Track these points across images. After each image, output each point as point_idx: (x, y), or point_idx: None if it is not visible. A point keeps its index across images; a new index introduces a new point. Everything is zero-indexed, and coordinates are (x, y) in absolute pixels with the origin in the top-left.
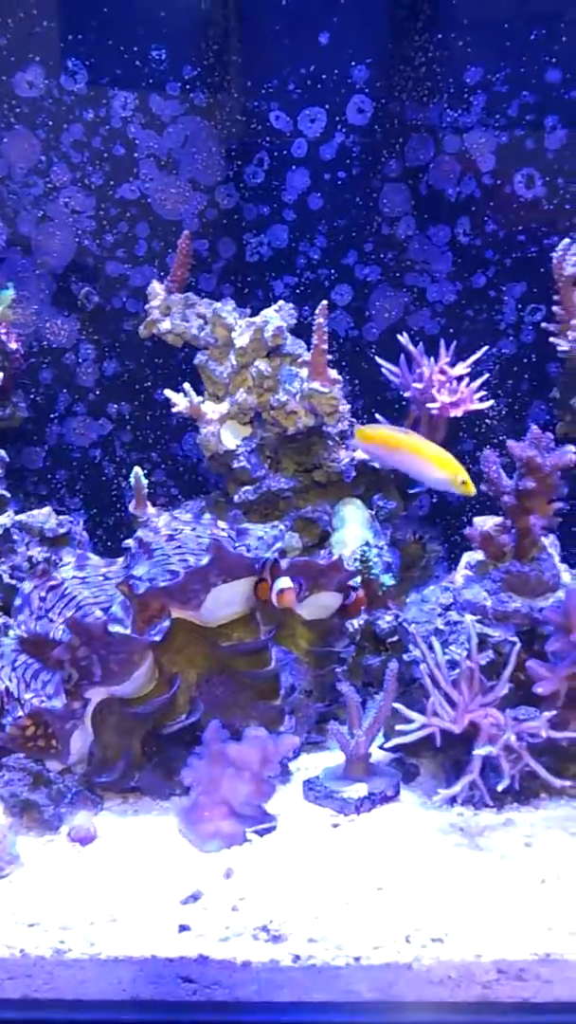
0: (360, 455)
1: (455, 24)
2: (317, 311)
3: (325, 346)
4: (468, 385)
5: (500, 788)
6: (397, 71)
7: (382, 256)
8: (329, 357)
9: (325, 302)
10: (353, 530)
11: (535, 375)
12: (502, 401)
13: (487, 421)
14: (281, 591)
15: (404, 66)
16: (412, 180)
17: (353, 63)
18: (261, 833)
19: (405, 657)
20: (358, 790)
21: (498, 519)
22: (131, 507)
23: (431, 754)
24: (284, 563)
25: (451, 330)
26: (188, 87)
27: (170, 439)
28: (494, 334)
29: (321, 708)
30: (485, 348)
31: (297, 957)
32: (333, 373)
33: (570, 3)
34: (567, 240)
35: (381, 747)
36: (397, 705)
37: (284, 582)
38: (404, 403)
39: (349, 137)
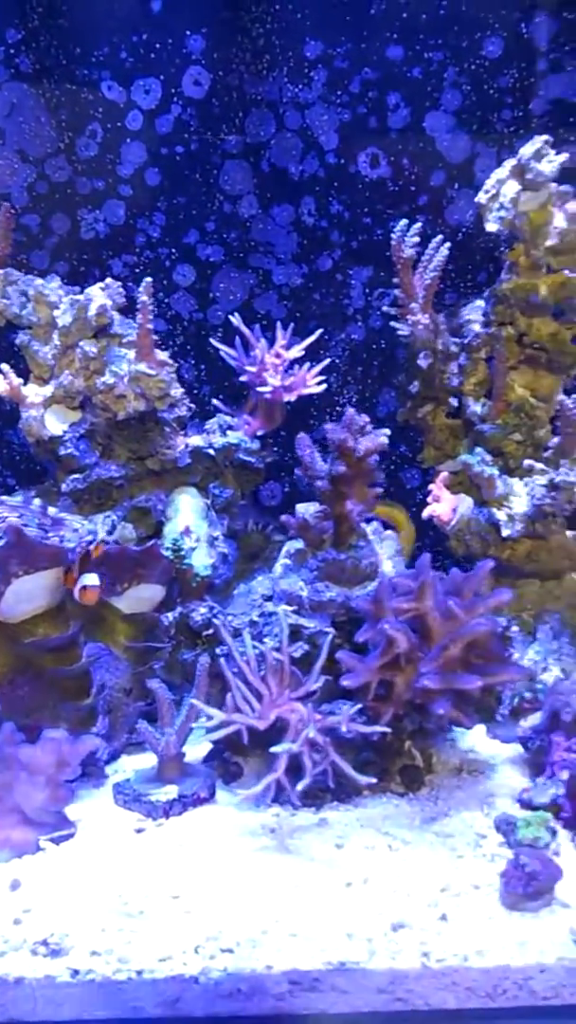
0: (195, 441)
1: None
2: (141, 288)
3: (151, 326)
4: (308, 370)
5: (300, 787)
6: (234, 43)
7: (225, 236)
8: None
9: (149, 279)
10: (187, 519)
11: (385, 360)
12: (353, 387)
13: (338, 408)
14: (84, 588)
15: (242, 37)
16: (253, 157)
17: (188, 32)
18: (57, 841)
19: (218, 651)
20: (168, 792)
21: (320, 506)
22: None
23: (260, 751)
24: (97, 553)
25: (298, 314)
26: (12, 51)
27: (3, 424)
28: (342, 319)
29: (143, 707)
30: (320, 331)
31: (76, 972)
32: (162, 355)
33: None
34: (404, 221)
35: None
36: (195, 701)
37: (90, 578)
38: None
39: (186, 110)
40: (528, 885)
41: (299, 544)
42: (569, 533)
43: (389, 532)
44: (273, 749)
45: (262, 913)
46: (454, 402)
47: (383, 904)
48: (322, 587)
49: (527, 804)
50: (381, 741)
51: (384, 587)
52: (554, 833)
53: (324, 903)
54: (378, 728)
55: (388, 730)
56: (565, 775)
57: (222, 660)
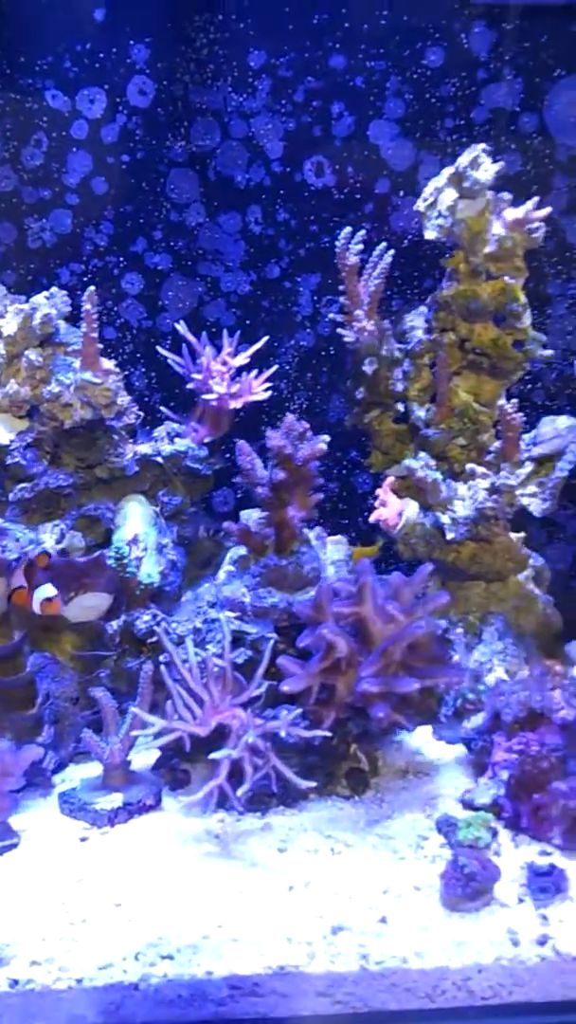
0: (143, 449)
1: (236, 5)
2: (85, 297)
3: (95, 335)
4: (257, 376)
5: (240, 793)
6: (179, 52)
7: (172, 244)
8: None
9: (92, 288)
10: (136, 527)
11: (334, 367)
12: (303, 394)
13: (288, 415)
14: (47, 599)
15: (186, 47)
16: (200, 165)
17: (132, 42)
18: (1, 851)
19: (162, 658)
20: (112, 801)
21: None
22: None
23: (208, 758)
24: (42, 564)
25: (248, 321)
26: None
27: None
28: (291, 325)
29: (90, 716)
30: (266, 339)
31: (15, 982)
32: (107, 363)
33: None
34: (348, 229)
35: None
36: (136, 710)
37: (47, 590)
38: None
39: (131, 119)
40: (467, 886)
41: (242, 550)
42: (513, 535)
43: (338, 537)
44: (212, 756)
45: (204, 919)
46: (401, 407)
47: (324, 907)
48: (264, 593)
49: (469, 805)
50: (326, 745)
51: (323, 592)
52: (495, 833)
53: (266, 907)
54: (319, 732)
55: (329, 734)
56: (505, 775)
57: (163, 668)
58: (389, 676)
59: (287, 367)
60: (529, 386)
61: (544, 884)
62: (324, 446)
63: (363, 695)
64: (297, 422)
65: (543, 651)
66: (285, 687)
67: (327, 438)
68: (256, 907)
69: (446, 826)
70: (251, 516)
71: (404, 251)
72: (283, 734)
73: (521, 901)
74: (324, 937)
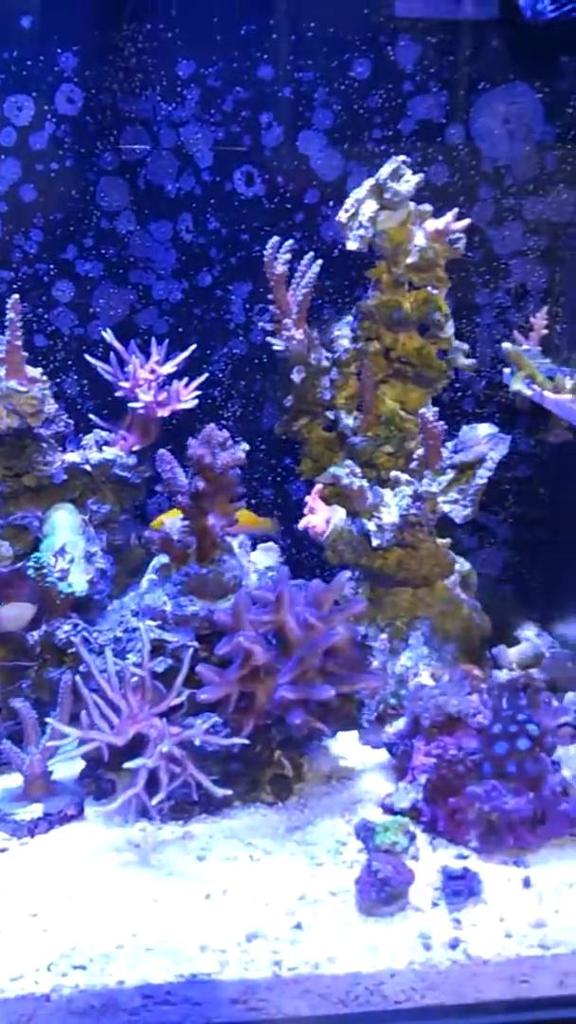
0: (72, 457)
1: (164, 15)
2: (9, 305)
3: (20, 343)
4: (186, 385)
5: (155, 802)
6: (107, 61)
7: (103, 252)
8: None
9: (16, 296)
10: (64, 536)
11: (267, 375)
12: (237, 402)
13: (222, 422)
14: None
15: (114, 56)
16: (129, 174)
17: (60, 50)
18: None
19: (82, 668)
20: (32, 811)
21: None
22: None
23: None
24: None
25: (180, 329)
26: None
27: None
28: (224, 334)
29: (11, 727)
30: (194, 347)
31: None
32: (33, 371)
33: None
34: (276, 239)
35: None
36: (51, 720)
37: None
38: None
39: (60, 127)
40: (381, 891)
41: (165, 559)
42: (440, 541)
43: (270, 544)
44: (127, 765)
45: (118, 928)
46: (331, 415)
47: (240, 915)
48: (185, 601)
49: (389, 809)
50: (249, 752)
51: (241, 600)
52: (412, 837)
53: (181, 916)
54: (236, 740)
55: (246, 742)
56: (423, 780)
57: (77, 678)
58: (306, 683)
59: (220, 375)
60: (460, 394)
61: (457, 888)
62: (243, 455)
63: (281, 702)
64: (217, 431)
65: (468, 655)
66: (202, 695)
67: (246, 447)
68: (172, 916)
69: (364, 831)
70: (174, 524)
71: (335, 261)
72: (197, 742)
73: (435, 905)
74: (238, 944)
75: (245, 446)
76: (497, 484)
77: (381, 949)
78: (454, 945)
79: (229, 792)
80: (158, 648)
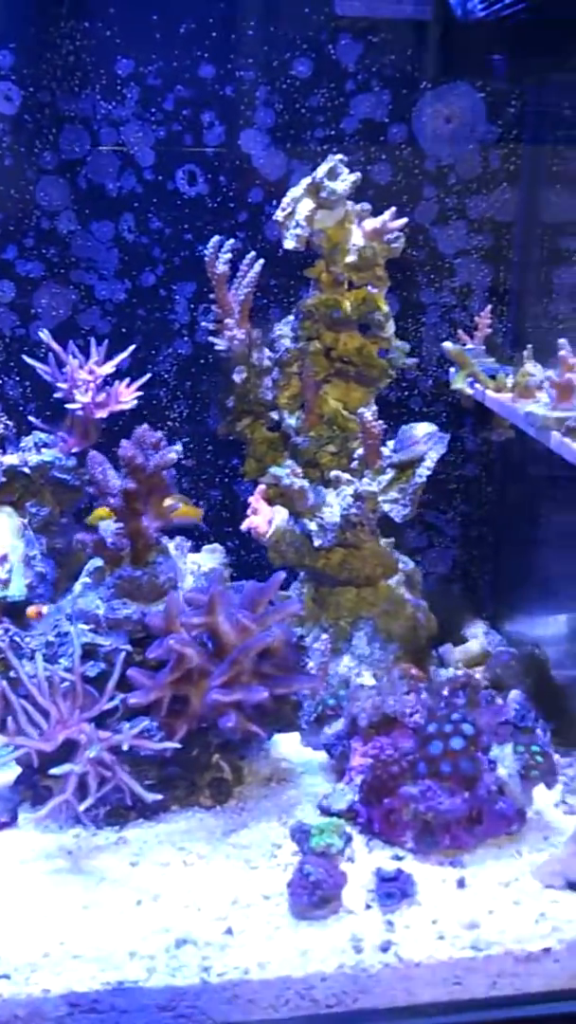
0: (10, 459)
1: (102, 13)
2: None
3: None
4: (128, 385)
5: (82, 808)
6: (45, 59)
7: (44, 252)
8: None
9: None
10: (2, 539)
11: (213, 375)
12: (183, 402)
13: (168, 423)
14: None
15: (52, 54)
16: (70, 173)
17: None
18: None
19: (11, 674)
20: None
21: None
22: None
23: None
24: None
25: (124, 329)
26: None
27: None
28: (169, 334)
29: None
30: (132, 348)
31: None
32: None
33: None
34: (216, 238)
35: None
36: None
37: None
38: None
39: None
40: (312, 894)
41: (99, 562)
42: (383, 541)
43: (215, 545)
44: (53, 771)
45: (46, 936)
46: (276, 415)
47: (170, 920)
48: (119, 604)
49: (326, 811)
50: (187, 755)
51: (173, 602)
52: (348, 839)
53: (111, 923)
54: (168, 744)
55: (178, 746)
56: (359, 780)
57: (4, 683)
58: (239, 686)
59: (165, 375)
60: (407, 393)
61: (390, 889)
62: (175, 456)
63: (213, 705)
64: (150, 432)
65: (413, 655)
66: (132, 699)
67: (179, 448)
68: (102, 922)
69: (299, 833)
70: (109, 527)
71: (279, 260)
72: (125, 747)
73: (368, 907)
74: (167, 950)
75: (178, 447)
76: (445, 483)
77: (312, 953)
78: (385, 948)
79: (160, 797)
80: (90, 652)
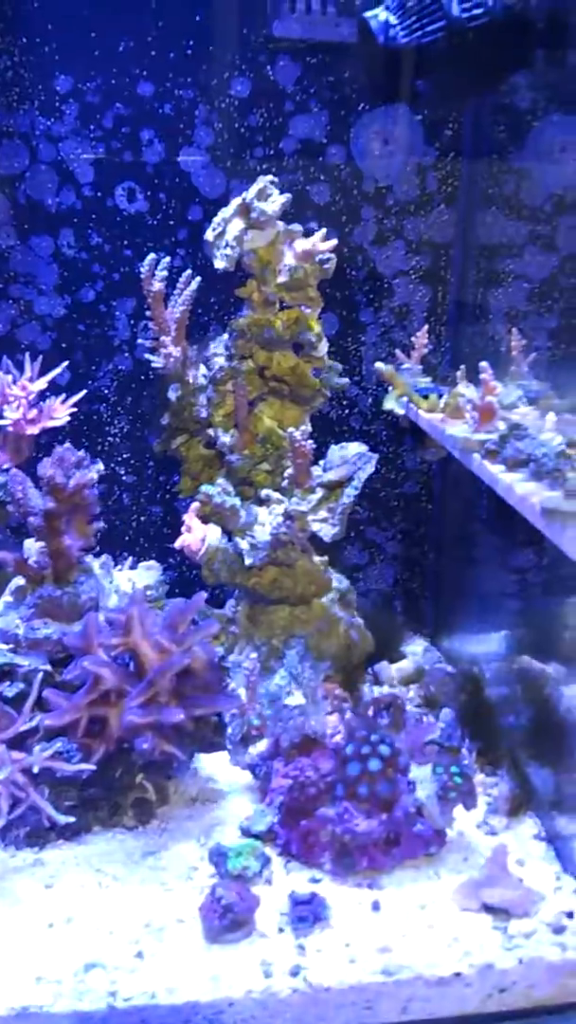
0: None
1: (40, 29)
2: None
3: None
4: (63, 402)
5: None
6: None
7: None
8: None
9: None
10: None
11: (154, 392)
12: (123, 418)
13: (108, 439)
14: None
15: None
16: (8, 188)
17: None
18: None
19: None
20: None
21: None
22: None
23: None
24: None
25: (63, 344)
26: None
27: None
28: (109, 350)
29: None
30: (65, 363)
31: None
32: None
33: (158, 16)
34: (152, 256)
35: None
36: None
37: None
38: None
39: None
40: (224, 917)
41: (21, 581)
42: (317, 559)
43: (151, 563)
44: None
45: None
46: (212, 433)
47: (81, 944)
48: (39, 624)
49: (247, 832)
50: (109, 776)
51: (91, 622)
52: (267, 861)
53: (21, 946)
54: (83, 766)
55: (92, 768)
56: (279, 801)
57: None
58: (156, 706)
59: (106, 391)
60: (346, 411)
61: (303, 913)
62: (95, 475)
63: (129, 726)
64: (70, 451)
65: (346, 673)
66: (47, 720)
67: (101, 467)
68: (10, 946)
69: (217, 856)
70: (33, 546)
71: (220, 278)
72: (36, 769)
73: (282, 931)
74: (75, 974)
75: (99, 466)
76: (386, 500)
77: (222, 977)
78: (295, 972)
79: (72, 819)
80: (8, 672)
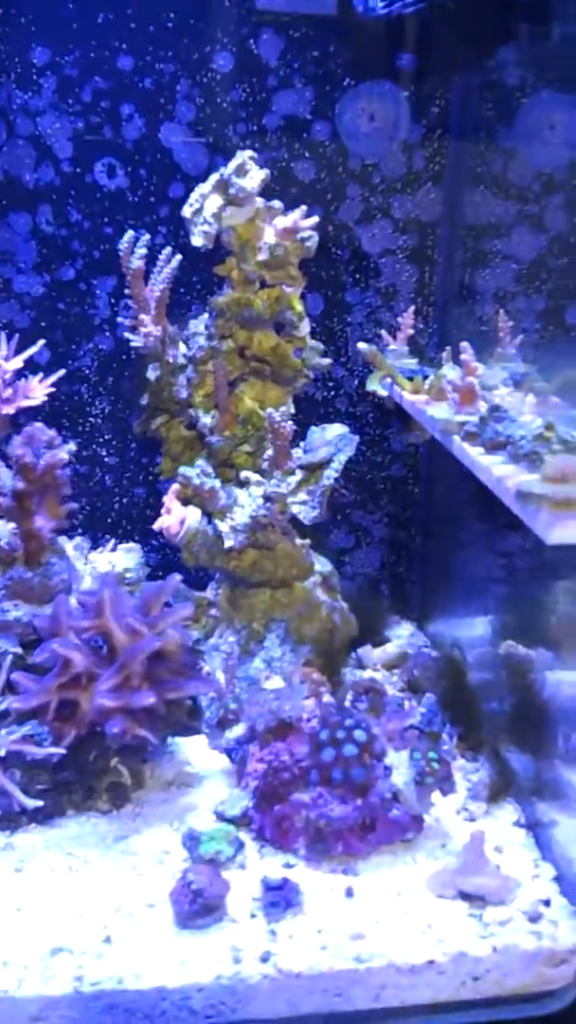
0: None
1: (16, 0)
2: None
3: None
4: (41, 381)
5: None
6: None
7: None
8: None
9: None
10: None
11: (135, 371)
12: (105, 398)
13: (90, 420)
14: None
15: None
16: None
17: None
18: None
19: None
20: None
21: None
22: None
23: None
24: None
25: (43, 323)
26: None
27: None
28: (89, 328)
29: None
30: (42, 342)
31: None
32: None
33: None
34: (130, 233)
35: None
36: None
37: None
38: None
39: None
40: (194, 902)
41: None
42: (299, 542)
43: (132, 544)
44: None
45: None
46: (192, 413)
47: (49, 928)
48: (9, 606)
49: (221, 816)
50: (83, 760)
51: (61, 604)
52: (240, 846)
53: None
54: (53, 750)
55: (63, 751)
56: (254, 786)
57: None
58: (127, 690)
59: (87, 371)
60: (333, 393)
61: (275, 899)
62: (66, 456)
63: (100, 710)
64: (41, 430)
65: (327, 657)
66: (15, 703)
67: (72, 447)
68: None
69: (189, 840)
70: (5, 528)
71: (202, 256)
72: (1, 752)
73: (253, 916)
74: (41, 959)
75: (71, 446)
76: (372, 483)
77: (191, 962)
78: (265, 958)
79: (39, 803)
80: None
